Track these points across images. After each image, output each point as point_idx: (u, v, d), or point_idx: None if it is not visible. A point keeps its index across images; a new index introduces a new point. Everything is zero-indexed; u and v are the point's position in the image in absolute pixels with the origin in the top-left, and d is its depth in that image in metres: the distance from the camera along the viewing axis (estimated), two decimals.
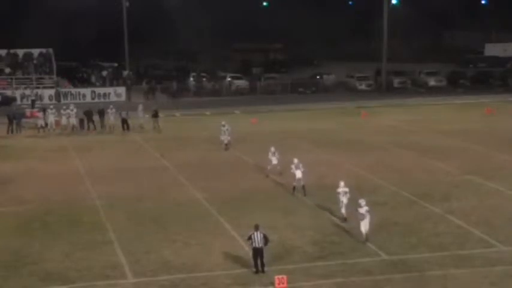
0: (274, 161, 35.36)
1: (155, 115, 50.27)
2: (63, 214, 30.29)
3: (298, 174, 31.95)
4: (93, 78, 73.98)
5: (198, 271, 23.86)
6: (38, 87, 66.21)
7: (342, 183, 28.70)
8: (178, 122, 54.12)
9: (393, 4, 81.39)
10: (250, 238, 23.56)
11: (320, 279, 22.98)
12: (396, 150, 42.34)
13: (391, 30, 75.77)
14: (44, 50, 71.55)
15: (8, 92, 63.34)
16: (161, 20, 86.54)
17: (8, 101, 61.32)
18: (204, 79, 76.15)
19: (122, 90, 67.56)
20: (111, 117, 50.24)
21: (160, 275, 23.72)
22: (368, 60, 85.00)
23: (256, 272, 23.35)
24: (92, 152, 43.08)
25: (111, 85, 70.25)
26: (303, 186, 31.99)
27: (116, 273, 23.88)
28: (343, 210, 28.41)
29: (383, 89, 74.20)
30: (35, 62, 71.15)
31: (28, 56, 71.54)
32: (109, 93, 66.74)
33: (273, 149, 35.71)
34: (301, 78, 77.38)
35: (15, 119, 49.92)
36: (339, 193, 28.51)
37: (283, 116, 56.76)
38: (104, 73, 74.43)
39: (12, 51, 71.51)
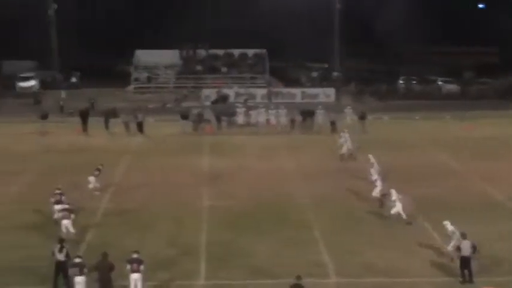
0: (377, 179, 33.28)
1: (363, 117, 50.40)
2: (272, 211, 31.28)
3: None
4: (303, 79, 75.37)
5: (401, 276, 23.80)
6: (250, 87, 68.64)
7: (393, 191, 29.44)
8: (386, 125, 53.81)
9: None
10: (458, 248, 23.11)
11: None
12: None
13: None
14: (258, 51, 74.20)
15: (224, 91, 66.04)
16: (373, 21, 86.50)
17: (224, 99, 64.00)
18: (414, 82, 75.10)
19: (331, 91, 68.22)
20: (320, 118, 51.02)
21: (363, 277, 23.92)
22: None
23: (463, 282, 22.86)
24: (300, 151, 43.88)
25: (321, 86, 71.19)
26: None
27: (320, 271, 24.40)
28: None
29: None
30: (249, 62, 74.04)
31: (243, 56, 74.66)
32: (318, 94, 67.60)
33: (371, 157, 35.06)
34: None
35: (226, 117, 52.22)
36: (394, 200, 29.27)
37: (495, 122, 54.65)
38: (314, 74, 75.53)
39: (228, 51, 74.88)
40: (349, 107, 52.50)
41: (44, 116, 50.81)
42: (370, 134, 48.80)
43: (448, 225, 25.32)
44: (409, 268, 24.45)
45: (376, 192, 31.88)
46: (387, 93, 70.21)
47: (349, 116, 50.96)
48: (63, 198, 29.65)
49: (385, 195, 30.95)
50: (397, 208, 29.16)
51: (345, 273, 24.29)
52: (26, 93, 66.54)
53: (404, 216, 29.14)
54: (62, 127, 50.42)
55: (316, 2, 76.75)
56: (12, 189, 34.75)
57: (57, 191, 30.04)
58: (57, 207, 29.29)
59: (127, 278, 22.48)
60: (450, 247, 24.85)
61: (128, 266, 22.58)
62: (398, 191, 29.67)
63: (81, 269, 22.33)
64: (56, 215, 29.09)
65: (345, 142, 41.46)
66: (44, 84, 70.01)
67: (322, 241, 27.35)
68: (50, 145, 45.16)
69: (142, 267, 22.59)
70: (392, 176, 36.84)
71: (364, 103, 62.99)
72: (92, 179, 33.64)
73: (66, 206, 28.40)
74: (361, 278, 23.84)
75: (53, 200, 29.69)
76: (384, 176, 33.60)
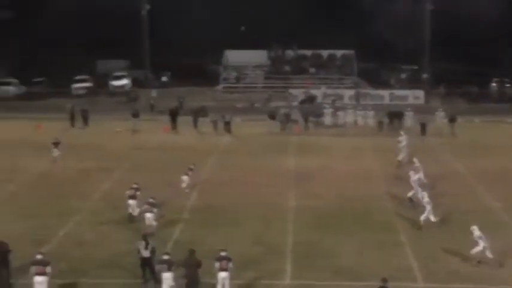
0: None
1: (453, 120, 49.60)
2: (358, 212, 31.22)
3: None
4: (392, 81, 74.67)
5: (491, 283, 23.36)
6: (338, 87, 68.51)
7: (425, 194, 29.50)
8: (477, 128, 52.74)
9: None
10: None
11: None
12: None
13: None
14: (346, 52, 74.03)
15: (312, 91, 66.11)
16: (465, 23, 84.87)
17: (311, 99, 64.06)
18: (508, 85, 73.24)
19: (420, 93, 67.38)
20: (408, 120, 50.50)
21: (451, 283, 23.60)
22: None
23: None
24: (387, 153, 43.29)
25: (410, 88, 70.34)
26: None
27: (407, 275, 24.21)
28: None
29: None
30: (337, 63, 73.93)
31: (332, 57, 74.62)
32: (407, 96, 66.84)
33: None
34: None
35: (313, 117, 52.37)
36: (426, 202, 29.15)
37: None
38: (403, 75, 74.75)
39: (317, 52, 74.95)
40: (440, 109, 51.83)
41: (135, 115, 52.01)
42: (459, 137, 48.02)
43: (476, 231, 25.00)
44: (498, 275, 23.96)
45: (410, 194, 32.08)
46: (479, 95, 68.77)
47: (440, 118, 50.26)
48: (137, 193, 30.41)
49: (412, 200, 31.63)
50: (426, 212, 28.94)
51: (432, 278, 24.01)
52: (119, 91, 68.32)
53: (433, 219, 28.82)
54: (152, 125, 51.48)
55: (407, 3, 75.92)
56: (104, 186, 35.74)
57: (134, 185, 30.90)
58: (131, 202, 30.08)
59: (214, 276, 22.72)
60: (474, 251, 24.78)
61: (217, 264, 22.63)
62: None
63: (169, 266, 22.59)
64: (131, 210, 29.87)
65: (404, 148, 40.54)
66: (136, 83, 71.66)
67: (408, 244, 27.12)
68: (140, 143, 46.22)
69: (230, 265, 22.76)
70: (479, 179, 36.27)
71: (453, 105, 61.90)
72: (185, 178, 34.26)
73: (150, 200, 29.00)
74: (449, 284, 23.53)
75: (128, 193, 30.51)
76: (427, 182, 33.16)
